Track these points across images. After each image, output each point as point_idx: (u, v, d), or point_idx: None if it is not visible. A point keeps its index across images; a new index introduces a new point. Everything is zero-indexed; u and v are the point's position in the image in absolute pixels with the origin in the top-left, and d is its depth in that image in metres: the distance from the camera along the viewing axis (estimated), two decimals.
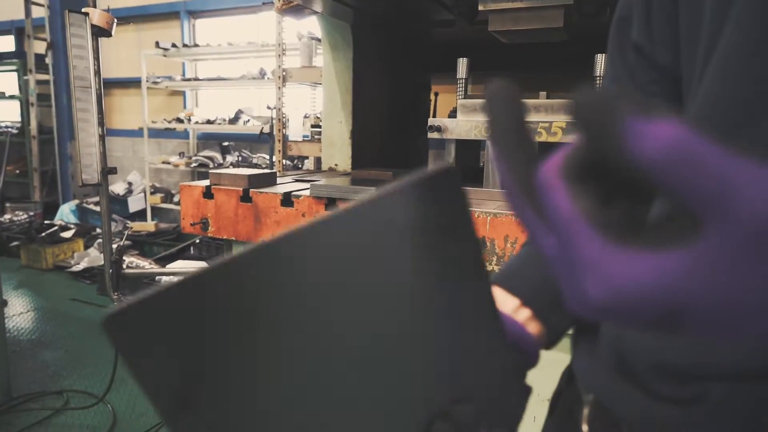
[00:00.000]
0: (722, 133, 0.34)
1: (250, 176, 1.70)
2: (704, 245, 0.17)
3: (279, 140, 2.75)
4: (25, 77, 5.92)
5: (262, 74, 4.99)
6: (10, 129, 6.42)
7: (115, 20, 1.93)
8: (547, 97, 1.48)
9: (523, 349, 0.38)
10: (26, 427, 2.19)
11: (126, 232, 3.97)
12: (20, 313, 3.59)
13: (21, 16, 5.86)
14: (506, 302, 0.42)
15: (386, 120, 2.48)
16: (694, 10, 0.39)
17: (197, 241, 4.61)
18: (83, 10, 1.85)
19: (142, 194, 5.78)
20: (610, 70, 0.53)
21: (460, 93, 1.67)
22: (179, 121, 5.59)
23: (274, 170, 2.31)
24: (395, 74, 2.49)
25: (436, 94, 3.04)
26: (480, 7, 1.53)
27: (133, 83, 5.99)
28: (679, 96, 0.43)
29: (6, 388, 2.37)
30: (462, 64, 1.66)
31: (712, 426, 0.30)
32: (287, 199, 1.62)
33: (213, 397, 0.24)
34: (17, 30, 6.79)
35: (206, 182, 1.76)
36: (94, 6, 1.93)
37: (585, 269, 0.18)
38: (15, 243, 4.77)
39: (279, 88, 2.76)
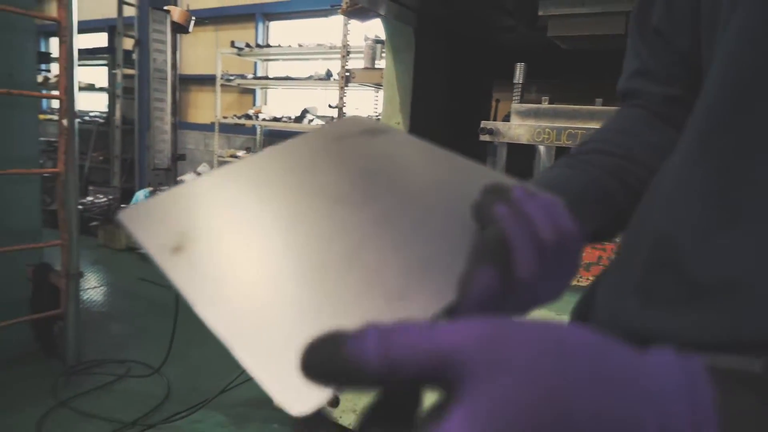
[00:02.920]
0: (720, 121, 0.35)
1: None
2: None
3: None
4: (113, 71, 6.38)
5: (329, 75, 5.13)
6: (97, 118, 6.95)
7: (193, 18, 2.07)
8: (603, 104, 1.46)
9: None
10: (92, 389, 2.38)
11: None
12: (94, 287, 3.88)
13: (114, 14, 6.34)
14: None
15: (445, 123, 2.51)
16: None
17: None
18: (165, 8, 2.00)
19: None
20: (631, 50, 0.54)
21: (516, 97, 1.67)
22: (248, 117, 5.84)
23: None
24: (456, 79, 2.50)
25: (497, 101, 3.03)
26: (540, 12, 1.53)
27: (209, 80, 6.31)
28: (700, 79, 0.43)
29: (78, 352, 2.58)
30: (519, 69, 1.67)
31: None
32: None
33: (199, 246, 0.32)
34: (110, 28, 7.33)
35: None
36: (176, 5, 2.07)
37: None
38: (94, 223, 5.15)
39: (341, 88, 2.85)
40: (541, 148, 1.53)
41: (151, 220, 0.34)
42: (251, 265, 0.31)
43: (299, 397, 0.23)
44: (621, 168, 0.48)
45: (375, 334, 0.22)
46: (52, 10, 2.30)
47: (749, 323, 0.30)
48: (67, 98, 2.36)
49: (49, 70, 6.78)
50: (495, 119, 3.01)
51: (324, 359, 0.22)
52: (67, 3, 2.26)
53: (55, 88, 3.04)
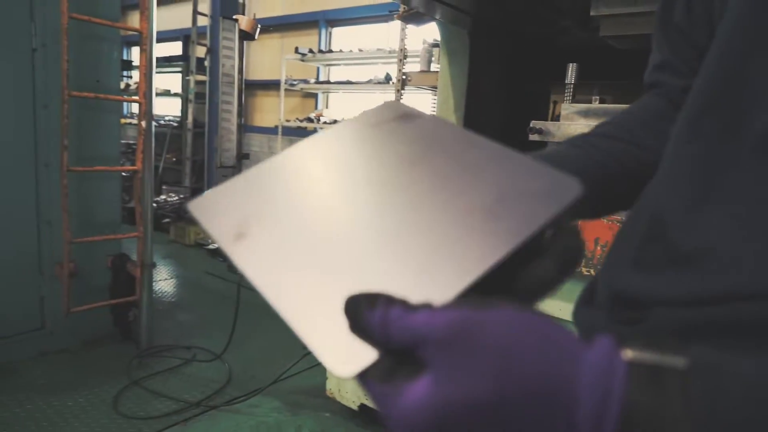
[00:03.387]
0: (706, 105, 0.39)
1: None
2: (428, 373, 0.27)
3: None
4: (187, 78, 6.78)
5: (388, 79, 5.23)
6: (171, 122, 7.41)
7: (259, 26, 2.20)
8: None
9: None
10: (162, 370, 2.58)
11: None
12: (165, 279, 4.16)
13: (189, 24, 6.74)
14: None
15: (499, 124, 2.52)
16: None
17: None
18: (234, 17, 2.15)
19: None
20: (656, 46, 0.57)
21: (568, 98, 1.68)
22: (309, 120, 6.04)
23: None
24: (511, 81, 2.51)
25: (555, 102, 3.00)
26: (592, 12, 1.53)
27: (274, 85, 6.59)
28: None
29: (150, 337, 2.79)
30: (571, 69, 1.68)
31: None
32: None
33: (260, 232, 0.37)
34: (184, 37, 7.80)
35: None
36: (243, 14, 2.22)
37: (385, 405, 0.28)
38: (166, 220, 5.49)
39: (398, 90, 2.92)
40: None
41: (216, 209, 0.39)
42: (304, 246, 0.35)
43: (346, 360, 0.29)
44: (623, 151, 0.52)
45: (381, 309, 0.28)
46: (132, 21, 2.51)
47: (715, 282, 0.34)
48: (146, 102, 2.57)
49: (130, 77, 7.29)
50: (552, 120, 2.98)
51: (353, 321, 0.29)
52: (148, 15, 2.47)
53: (135, 94, 3.30)
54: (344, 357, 0.29)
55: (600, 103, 1.57)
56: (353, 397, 2.20)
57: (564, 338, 0.27)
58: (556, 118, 1.80)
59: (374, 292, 0.30)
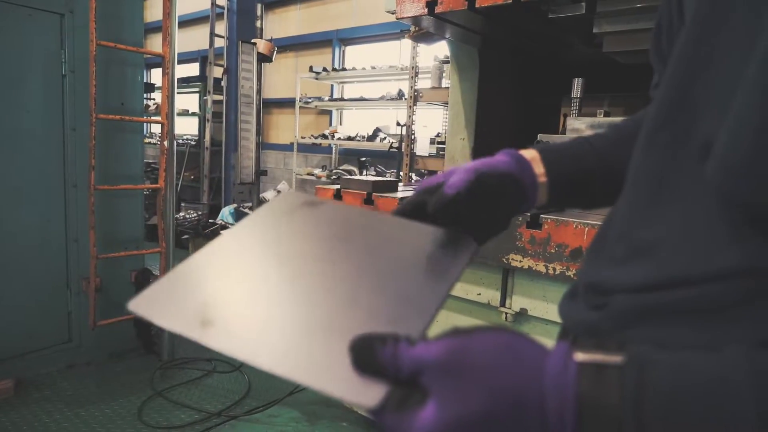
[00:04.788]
0: (659, 122, 0.45)
1: (374, 182, 1.93)
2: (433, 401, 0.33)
3: (407, 155, 2.98)
4: (204, 97, 6.97)
5: (400, 95, 5.33)
6: (189, 141, 7.59)
7: (276, 48, 2.30)
8: None
9: (528, 199, 0.56)
10: (183, 382, 2.65)
11: None
12: None
13: (206, 46, 6.94)
14: (537, 166, 0.58)
15: (510, 138, 2.58)
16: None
17: None
18: (252, 40, 2.24)
19: None
20: (654, 67, 0.64)
21: (575, 111, 1.73)
22: (324, 137, 6.15)
23: (396, 179, 2.53)
24: (521, 95, 2.57)
25: (565, 116, 3.05)
26: (595, 30, 1.59)
27: (288, 103, 6.73)
28: None
29: (171, 350, 2.88)
30: (577, 84, 1.73)
31: (611, 323, 0.43)
32: None
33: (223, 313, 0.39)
34: (202, 58, 8.01)
35: (338, 186, 2.03)
36: (261, 37, 2.32)
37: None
38: (185, 236, 5.62)
39: (410, 107, 2.99)
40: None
41: (162, 306, 0.39)
42: (280, 315, 0.39)
43: (365, 393, 0.34)
44: (608, 152, 0.60)
45: (391, 346, 0.34)
46: (152, 44, 2.61)
47: (662, 270, 0.41)
48: (168, 122, 2.68)
49: (152, 99, 7.50)
50: (563, 134, 3.03)
51: (365, 359, 0.34)
52: (170, 40, 2.59)
53: (156, 114, 3.41)
54: (361, 391, 0.34)
55: (605, 116, 1.63)
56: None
57: (532, 351, 0.34)
58: (566, 130, 1.86)
59: (382, 333, 0.35)
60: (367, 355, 0.34)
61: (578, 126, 1.62)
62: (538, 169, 0.57)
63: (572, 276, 1.46)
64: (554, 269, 1.52)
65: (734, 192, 0.36)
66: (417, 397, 0.33)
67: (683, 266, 0.39)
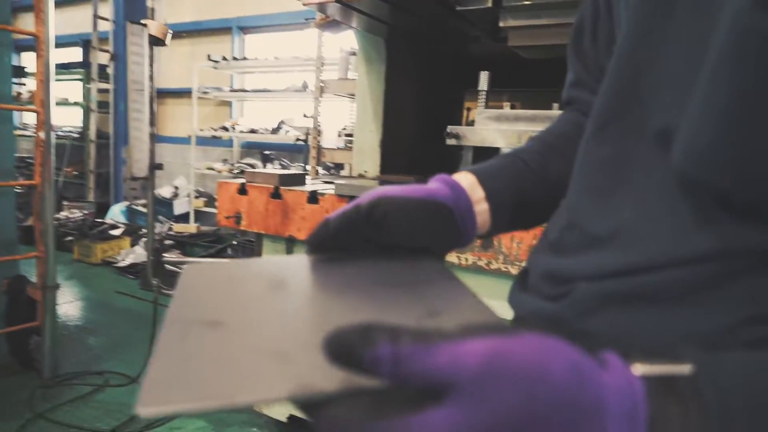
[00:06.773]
0: (608, 116, 0.44)
1: (281, 175, 1.84)
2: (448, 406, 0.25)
3: (314, 147, 2.90)
4: (88, 86, 6.36)
5: (305, 87, 5.21)
6: (71, 133, 6.90)
7: (171, 32, 2.12)
8: (559, 109, 1.56)
9: (465, 229, 0.51)
10: (70, 400, 2.38)
11: (166, 231, 4.20)
12: (70, 301, 3.85)
13: (88, 29, 6.33)
14: (475, 191, 0.53)
15: (416, 130, 2.59)
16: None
17: (234, 243, 4.82)
18: (142, 21, 2.05)
19: (187, 198, 6.07)
20: (570, 66, 0.63)
21: (481, 104, 1.76)
22: (224, 129, 5.87)
23: (303, 172, 2.45)
24: (427, 88, 2.60)
25: (468, 109, 3.13)
26: (500, 24, 1.62)
27: (185, 94, 6.33)
28: None
29: (54, 365, 2.57)
30: (483, 77, 1.76)
31: (572, 311, 0.43)
32: (313, 197, 1.74)
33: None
34: (84, 42, 7.31)
35: (242, 180, 1.91)
36: (153, 19, 2.13)
37: None
38: (69, 238, 5.10)
39: (316, 98, 2.92)
40: (505, 149, 1.61)
41: (181, 384, 0.30)
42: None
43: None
44: (540, 165, 0.58)
45: (387, 345, 0.25)
46: (26, 24, 2.32)
47: (622, 258, 0.40)
48: (44, 111, 2.38)
49: (23, 84, 6.70)
50: (466, 125, 3.11)
51: (347, 353, 0.26)
52: (44, 18, 2.29)
53: (28, 103, 3.04)
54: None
55: (511, 108, 1.67)
56: (281, 408, 2.15)
57: (585, 362, 0.27)
58: (470, 123, 1.89)
59: (369, 323, 0.27)
60: (348, 353, 0.26)
61: (488, 116, 1.65)
62: (477, 194, 0.53)
63: (484, 266, 1.48)
64: (466, 259, 1.53)
65: (702, 177, 0.36)
66: (405, 396, 0.26)
67: (648, 252, 0.38)
